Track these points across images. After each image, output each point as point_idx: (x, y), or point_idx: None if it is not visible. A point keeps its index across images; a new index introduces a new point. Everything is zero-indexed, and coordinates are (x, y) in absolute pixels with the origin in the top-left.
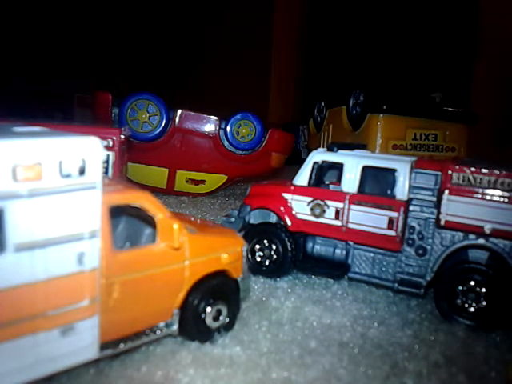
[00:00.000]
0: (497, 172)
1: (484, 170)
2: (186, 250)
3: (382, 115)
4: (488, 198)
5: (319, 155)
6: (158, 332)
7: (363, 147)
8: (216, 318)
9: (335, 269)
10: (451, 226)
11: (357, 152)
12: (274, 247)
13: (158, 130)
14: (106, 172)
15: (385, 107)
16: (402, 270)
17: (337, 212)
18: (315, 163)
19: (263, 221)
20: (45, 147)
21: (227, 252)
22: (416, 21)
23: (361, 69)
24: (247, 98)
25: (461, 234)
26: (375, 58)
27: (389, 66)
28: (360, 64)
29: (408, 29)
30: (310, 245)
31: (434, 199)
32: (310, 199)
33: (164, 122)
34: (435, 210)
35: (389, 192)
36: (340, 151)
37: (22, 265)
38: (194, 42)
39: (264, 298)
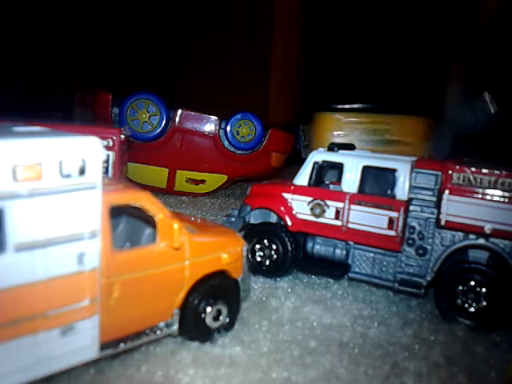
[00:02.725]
0: (497, 172)
1: (484, 170)
2: (186, 249)
3: (328, 113)
4: (488, 198)
5: (319, 155)
6: (158, 332)
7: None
8: (216, 318)
9: (335, 269)
10: (451, 226)
11: (357, 152)
12: (274, 247)
13: (158, 130)
14: (106, 172)
15: (331, 106)
16: (402, 269)
17: (337, 212)
18: (315, 163)
19: (263, 221)
20: (45, 147)
21: (227, 252)
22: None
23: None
24: (247, 98)
25: (461, 234)
26: (347, 56)
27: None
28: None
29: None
30: (310, 245)
31: (435, 199)
32: (310, 199)
33: (164, 121)
34: (435, 210)
35: (389, 192)
36: (340, 151)
37: (22, 265)
38: (195, 42)
39: (264, 298)
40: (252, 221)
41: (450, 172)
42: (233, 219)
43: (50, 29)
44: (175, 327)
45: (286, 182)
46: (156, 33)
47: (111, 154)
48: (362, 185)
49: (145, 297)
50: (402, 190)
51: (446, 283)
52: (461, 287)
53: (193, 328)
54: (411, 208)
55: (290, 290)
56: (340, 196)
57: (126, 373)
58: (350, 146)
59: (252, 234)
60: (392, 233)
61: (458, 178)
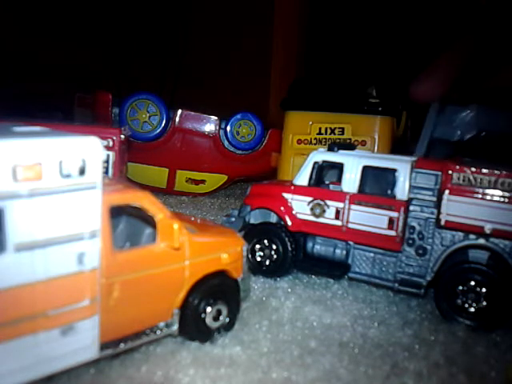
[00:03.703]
0: (497, 172)
1: (484, 170)
2: (186, 249)
3: (288, 111)
4: (488, 198)
5: (319, 155)
6: (158, 332)
7: (352, 147)
8: (216, 318)
9: (335, 269)
10: (451, 226)
11: (357, 152)
12: (274, 247)
13: (158, 130)
14: (106, 172)
15: (288, 104)
16: (402, 269)
17: (337, 212)
18: (315, 163)
19: (263, 221)
20: (45, 147)
21: (227, 252)
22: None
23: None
24: (247, 98)
25: (461, 234)
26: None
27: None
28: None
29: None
30: (310, 245)
31: (435, 199)
32: (310, 199)
33: (164, 121)
34: (435, 210)
35: (389, 192)
36: (340, 151)
37: (22, 265)
38: (195, 42)
39: (264, 298)
40: (252, 221)
41: (450, 172)
42: (233, 219)
43: (50, 29)
44: (175, 327)
45: (285, 182)
46: (156, 33)
47: (111, 153)
48: (362, 185)
49: (145, 297)
50: (402, 190)
51: (446, 283)
52: (461, 287)
53: (193, 328)
54: (411, 208)
55: (290, 290)
56: (340, 196)
57: (126, 373)
58: (349, 146)
59: (252, 234)
60: (392, 233)
61: (458, 178)
